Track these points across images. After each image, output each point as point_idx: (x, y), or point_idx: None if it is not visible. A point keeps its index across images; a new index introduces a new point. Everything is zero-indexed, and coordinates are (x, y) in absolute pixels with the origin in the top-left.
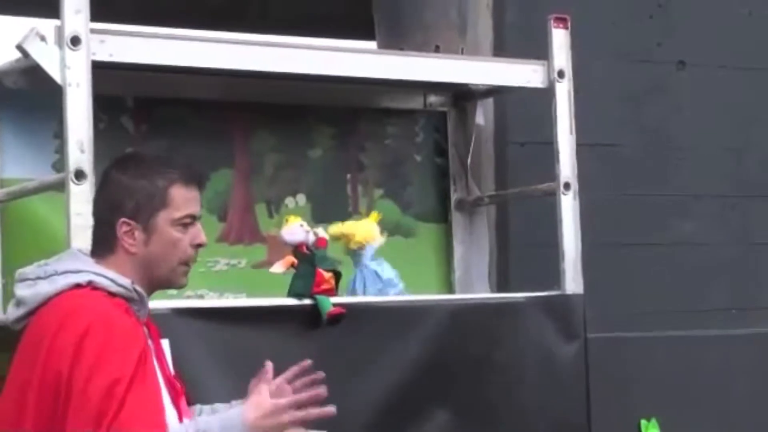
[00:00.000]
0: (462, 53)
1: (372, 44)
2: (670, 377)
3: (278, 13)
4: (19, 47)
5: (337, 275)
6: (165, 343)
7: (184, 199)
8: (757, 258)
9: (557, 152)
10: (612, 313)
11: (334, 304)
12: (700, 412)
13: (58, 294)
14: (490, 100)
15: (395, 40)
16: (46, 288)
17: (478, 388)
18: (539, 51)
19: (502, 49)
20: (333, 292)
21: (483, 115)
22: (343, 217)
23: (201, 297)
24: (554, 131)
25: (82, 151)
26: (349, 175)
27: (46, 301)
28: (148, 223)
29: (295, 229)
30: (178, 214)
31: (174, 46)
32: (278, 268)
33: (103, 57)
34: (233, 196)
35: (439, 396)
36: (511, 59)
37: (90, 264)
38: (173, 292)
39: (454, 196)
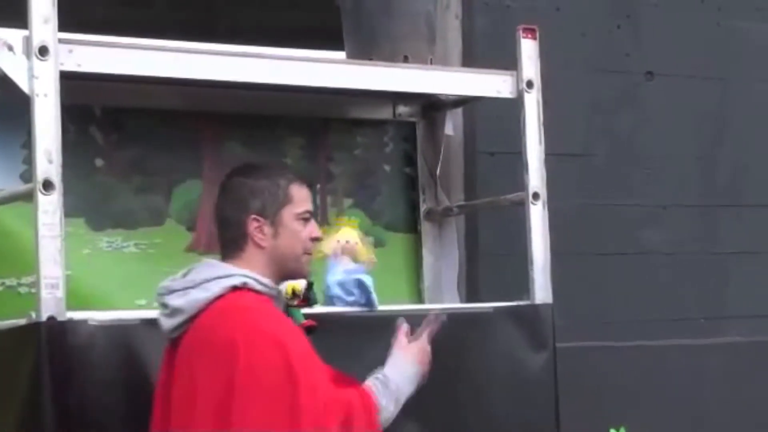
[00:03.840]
0: (431, 63)
1: (341, 54)
2: (640, 386)
3: (247, 23)
4: None
5: (309, 284)
6: None
7: (301, 196)
8: (726, 267)
9: (526, 162)
10: (581, 322)
11: (306, 316)
12: (669, 420)
13: (216, 298)
14: (459, 111)
15: (364, 51)
16: (201, 295)
17: (447, 398)
18: (508, 61)
19: (470, 59)
20: (304, 301)
21: (452, 126)
22: None
23: None
24: (523, 141)
25: (50, 162)
26: (318, 185)
27: (204, 308)
28: (275, 218)
29: None
30: (299, 209)
31: (143, 56)
32: None
33: (72, 67)
34: (202, 206)
35: (408, 406)
36: (480, 69)
37: (233, 268)
38: (142, 302)
39: (423, 206)
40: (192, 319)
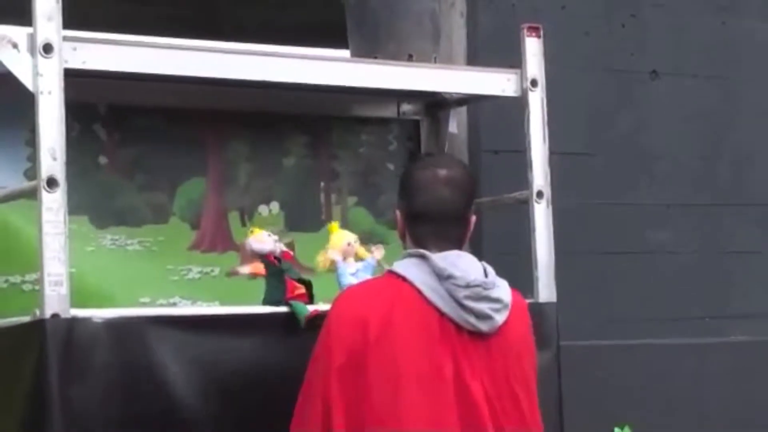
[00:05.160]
0: (435, 62)
1: (345, 53)
2: (644, 385)
3: (251, 21)
4: None
5: (308, 285)
6: None
7: None
8: (730, 266)
9: (530, 161)
10: (585, 321)
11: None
12: (673, 419)
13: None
14: (463, 109)
15: (368, 49)
16: (508, 291)
17: None
18: (512, 60)
19: (475, 57)
20: (305, 298)
21: (456, 124)
22: (316, 225)
23: (174, 305)
24: (527, 140)
25: (54, 159)
26: (322, 183)
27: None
28: None
29: (264, 238)
30: None
31: (147, 54)
32: (245, 269)
33: (76, 64)
34: (206, 204)
35: None
36: (484, 68)
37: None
38: (146, 299)
39: None
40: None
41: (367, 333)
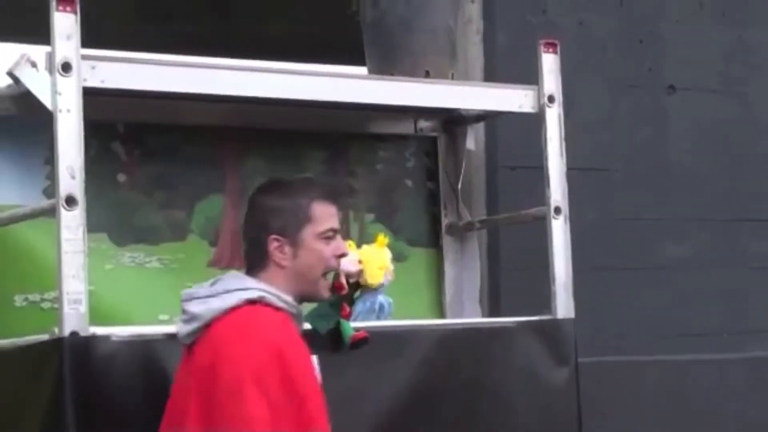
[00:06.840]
0: (452, 78)
1: (362, 69)
2: (662, 401)
3: (268, 39)
4: (10, 73)
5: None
6: (314, 359)
7: (325, 214)
8: (749, 281)
9: (547, 176)
10: (603, 337)
11: (356, 329)
12: None
13: (232, 309)
14: (480, 125)
15: (385, 66)
16: (217, 304)
17: (468, 413)
18: (529, 76)
19: (492, 74)
20: (349, 317)
21: (473, 140)
22: None
23: None
24: (544, 156)
25: (73, 177)
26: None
27: (219, 317)
28: (296, 238)
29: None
30: (321, 228)
31: (165, 73)
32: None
33: (94, 83)
34: (225, 221)
35: (430, 421)
36: (501, 84)
37: (254, 282)
38: (165, 317)
39: (444, 221)
40: (207, 326)
41: None
